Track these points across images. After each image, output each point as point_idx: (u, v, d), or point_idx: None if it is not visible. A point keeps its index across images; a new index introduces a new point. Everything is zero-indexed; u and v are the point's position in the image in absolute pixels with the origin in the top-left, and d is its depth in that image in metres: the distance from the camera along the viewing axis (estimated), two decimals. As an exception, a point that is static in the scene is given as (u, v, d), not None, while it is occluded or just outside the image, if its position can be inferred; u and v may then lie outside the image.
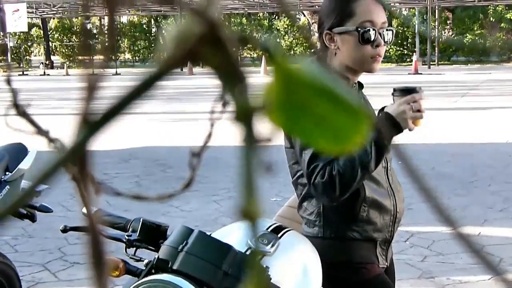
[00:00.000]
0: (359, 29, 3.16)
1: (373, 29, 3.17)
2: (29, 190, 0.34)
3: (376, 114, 3.10)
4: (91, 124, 0.34)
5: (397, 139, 3.00)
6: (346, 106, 0.34)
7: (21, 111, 0.48)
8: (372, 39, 3.17)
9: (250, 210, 0.34)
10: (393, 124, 3.01)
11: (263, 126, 0.32)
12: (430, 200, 0.41)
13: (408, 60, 48.80)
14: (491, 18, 54.34)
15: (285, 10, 0.41)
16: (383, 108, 3.10)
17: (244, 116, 0.32)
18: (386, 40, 3.23)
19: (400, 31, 52.94)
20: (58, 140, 0.50)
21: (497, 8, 53.59)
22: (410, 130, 3.04)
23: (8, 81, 0.54)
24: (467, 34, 53.88)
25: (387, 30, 3.27)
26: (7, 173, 4.84)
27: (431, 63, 46.45)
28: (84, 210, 0.39)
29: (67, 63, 55.33)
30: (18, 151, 4.92)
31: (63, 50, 62.22)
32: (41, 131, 0.49)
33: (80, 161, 0.34)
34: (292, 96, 0.33)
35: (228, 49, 0.33)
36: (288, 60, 0.34)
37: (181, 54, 0.32)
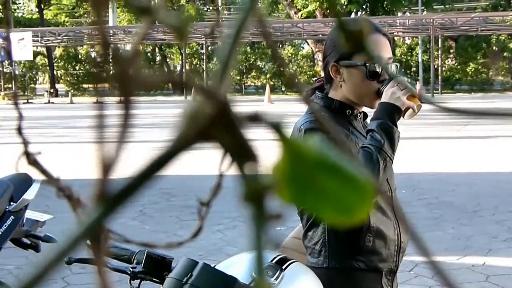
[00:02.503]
0: (367, 63, 3.18)
1: (380, 64, 3.18)
2: (52, 264, 0.34)
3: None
4: (108, 201, 0.34)
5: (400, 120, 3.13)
6: (352, 180, 0.34)
7: (32, 160, 0.48)
8: (379, 74, 3.18)
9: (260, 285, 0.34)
10: (390, 107, 3.09)
11: (272, 204, 0.33)
12: (409, 230, 0.41)
13: (411, 88, 48.76)
14: (494, 47, 54.51)
15: (268, 40, 0.41)
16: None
17: (254, 196, 0.32)
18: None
19: (404, 60, 53.12)
20: (68, 189, 0.50)
21: (500, 37, 53.81)
22: (406, 111, 3.11)
23: (18, 111, 0.54)
24: (470, 63, 54.02)
25: (392, 64, 3.31)
26: (11, 203, 4.84)
27: (434, 91, 46.50)
28: (89, 242, 0.38)
29: (72, 91, 55.54)
30: (23, 182, 4.92)
31: (68, 79, 62.43)
32: (51, 180, 0.49)
33: (96, 237, 0.34)
34: (300, 172, 0.33)
35: (238, 129, 0.33)
36: (295, 138, 0.34)
37: (194, 133, 0.33)
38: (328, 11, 50.91)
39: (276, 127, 0.34)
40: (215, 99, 0.32)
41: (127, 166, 0.38)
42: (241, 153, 0.32)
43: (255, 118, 0.32)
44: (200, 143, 0.33)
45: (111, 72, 0.32)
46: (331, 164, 0.33)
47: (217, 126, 0.31)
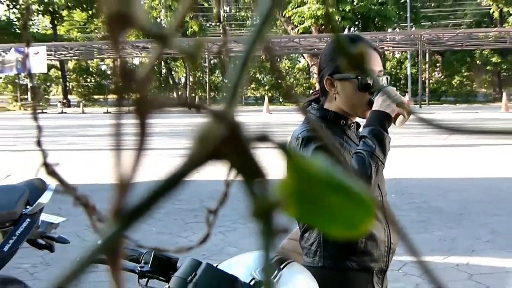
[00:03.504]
0: (359, 76, 3.20)
1: (372, 77, 3.19)
2: (72, 277, 0.34)
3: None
4: (124, 218, 0.34)
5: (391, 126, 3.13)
6: (355, 196, 0.34)
7: (51, 170, 0.48)
8: (370, 86, 3.20)
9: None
10: (381, 114, 3.11)
11: (279, 219, 0.33)
12: (399, 232, 0.41)
13: (400, 99, 48.81)
14: (478, 62, 54.62)
15: (270, 55, 0.42)
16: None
17: (262, 212, 0.33)
18: None
19: (393, 73, 53.16)
20: (84, 197, 0.51)
21: (483, 52, 53.90)
22: (396, 118, 3.13)
23: (37, 124, 0.55)
24: (455, 76, 54.12)
25: (382, 77, 3.32)
26: (27, 206, 4.85)
27: (422, 102, 46.52)
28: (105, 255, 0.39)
29: (83, 102, 55.60)
30: (38, 187, 4.94)
31: (79, 90, 62.62)
32: (68, 189, 0.49)
33: (112, 251, 0.35)
34: (306, 190, 0.34)
35: (248, 149, 0.33)
36: (301, 157, 0.35)
37: (205, 154, 0.33)
38: (322, 27, 51.01)
39: (283, 146, 0.34)
40: (225, 120, 0.32)
41: (141, 173, 0.38)
42: (250, 171, 0.33)
43: (263, 139, 0.32)
44: (212, 162, 0.33)
45: (124, 87, 0.33)
46: (335, 182, 0.33)
47: (228, 146, 0.32)
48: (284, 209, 0.33)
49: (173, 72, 66.05)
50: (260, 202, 0.32)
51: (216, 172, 0.55)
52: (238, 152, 0.32)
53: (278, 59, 58.76)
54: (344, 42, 0.44)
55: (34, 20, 68.56)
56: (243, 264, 3.04)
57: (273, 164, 0.46)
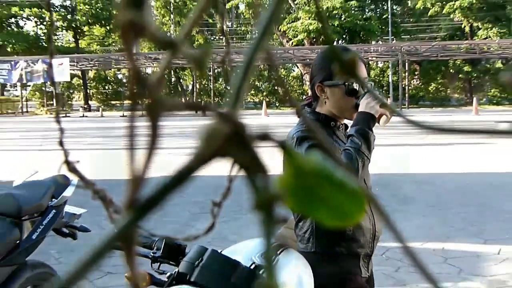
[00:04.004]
0: (346, 83, 3.20)
1: (357, 83, 3.20)
2: (84, 269, 0.34)
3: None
4: (137, 210, 0.34)
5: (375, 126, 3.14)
6: (347, 189, 0.34)
7: (72, 167, 0.48)
8: (356, 91, 3.21)
9: (270, 285, 0.34)
10: (366, 115, 3.11)
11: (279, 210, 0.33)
12: (387, 221, 0.41)
13: (383, 104, 48.86)
14: (451, 70, 54.68)
15: (273, 64, 0.41)
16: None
17: (263, 205, 0.32)
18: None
19: (377, 80, 53.21)
20: (102, 191, 0.50)
21: (456, 62, 53.95)
22: (380, 118, 3.13)
23: (60, 126, 0.55)
24: (432, 83, 54.18)
25: (367, 83, 3.32)
26: (53, 199, 4.88)
27: (402, 106, 46.53)
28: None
29: (102, 106, 55.61)
30: (62, 182, 4.96)
31: (99, 96, 62.73)
32: (88, 184, 0.49)
33: (127, 240, 0.34)
34: (302, 183, 0.33)
35: (251, 146, 0.33)
36: (298, 154, 0.34)
37: (211, 152, 0.33)
38: (314, 39, 51.09)
39: (282, 144, 0.34)
40: (230, 121, 0.32)
41: (153, 169, 0.38)
42: (252, 167, 0.32)
43: (264, 137, 0.32)
44: (217, 159, 0.32)
45: (139, 93, 0.33)
46: (329, 176, 0.33)
47: (232, 144, 0.31)
48: (283, 201, 0.33)
49: (181, 80, 66.04)
50: (261, 195, 0.32)
51: (221, 168, 0.54)
52: (242, 149, 0.31)
53: (275, 68, 58.74)
54: (337, 50, 0.43)
55: (59, 35, 68.59)
56: (245, 250, 3.04)
57: (273, 160, 0.46)
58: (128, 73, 0.33)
